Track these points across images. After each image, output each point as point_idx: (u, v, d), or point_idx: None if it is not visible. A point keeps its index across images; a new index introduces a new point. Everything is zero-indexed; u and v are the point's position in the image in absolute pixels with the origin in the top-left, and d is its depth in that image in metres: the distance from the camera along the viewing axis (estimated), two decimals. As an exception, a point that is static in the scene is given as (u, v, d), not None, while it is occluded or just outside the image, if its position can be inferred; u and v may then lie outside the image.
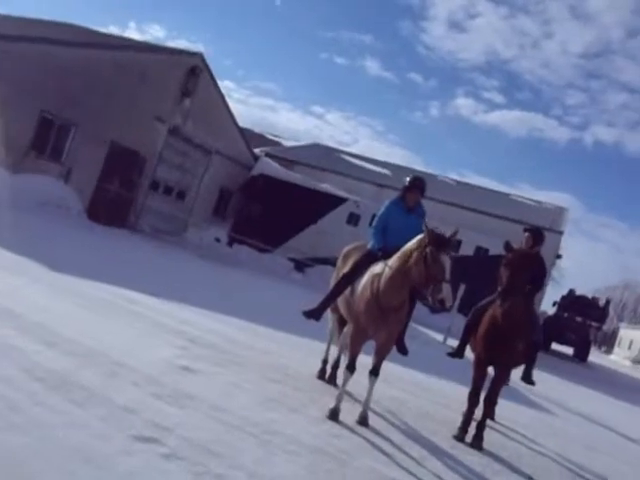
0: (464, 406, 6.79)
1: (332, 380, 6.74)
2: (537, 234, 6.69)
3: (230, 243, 24.70)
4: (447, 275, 4.98)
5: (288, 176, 25.40)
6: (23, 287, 6.98)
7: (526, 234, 6.69)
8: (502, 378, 6.30)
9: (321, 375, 6.85)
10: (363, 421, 5.61)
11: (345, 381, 5.59)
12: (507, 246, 6.04)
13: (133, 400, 4.44)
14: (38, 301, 6.52)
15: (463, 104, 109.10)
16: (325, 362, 6.89)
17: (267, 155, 27.12)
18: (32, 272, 7.89)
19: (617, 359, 45.54)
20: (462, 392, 7.62)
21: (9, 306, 5.92)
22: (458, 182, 33.28)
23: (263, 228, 23.95)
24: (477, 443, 6.06)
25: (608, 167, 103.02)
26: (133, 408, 4.29)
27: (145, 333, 6.62)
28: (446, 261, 5.01)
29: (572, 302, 27.00)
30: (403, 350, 6.04)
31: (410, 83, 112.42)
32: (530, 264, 5.94)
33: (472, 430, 6.19)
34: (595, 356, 33.67)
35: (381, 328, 5.42)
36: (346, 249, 6.74)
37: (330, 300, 6.04)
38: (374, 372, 5.64)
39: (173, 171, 21.66)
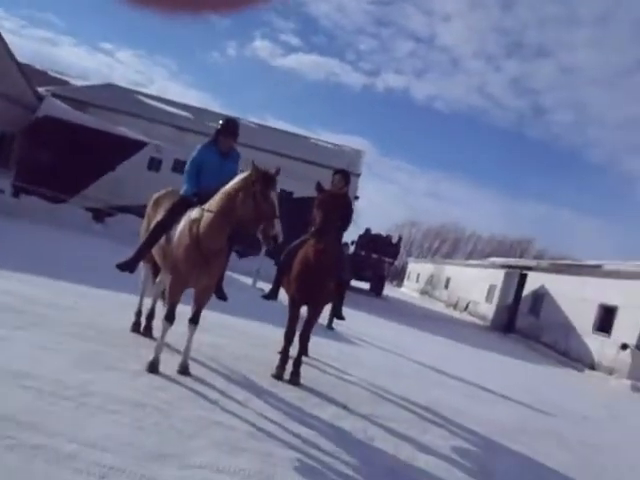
0: (280, 346, 7.05)
1: (148, 332, 6.53)
2: (347, 175, 6.97)
3: (16, 193, 22.27)
4: (277, 211, 4.98)
5: (79, 118, 23.32)
6: None
7: (337, 175, 6.91)
8: (315, 316, 6.59)
9: (135, 328, 6.58)
10: (184, 370, 5.54)
11: (164, 332, 5.44)
12: (318, 187, 6.23)
13: None
14: None
15: (260, 46, 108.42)
16: (139, 314, 6.62)
17: (53, 95, 24.60)
18: None
19: (407, 291, 50.36)
20: (277, 333, 7.89)
21: None
22: (259, 125, 33.45)
23: (55, 176, 21.91)
24: (295, 379, 6.33)
25: (398, 113, 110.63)
26: None
27: None
28: (275, 197, 5.01)
29: (368, 240, 28.94)
30: (222, 296, 6.01)
31: (205, 21, 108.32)
32: (341, 204, 6.20)
33: (289, 368, 6.44)
34: (388, 289, 36.82)
35: (202, 275, 5.31)
36: (156, 195, 6.44)
37: (144, 250, 5.76)
38: (194, 320, 5.56)
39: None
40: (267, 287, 7.38)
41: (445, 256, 73.61)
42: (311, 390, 6.28)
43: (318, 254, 6.16)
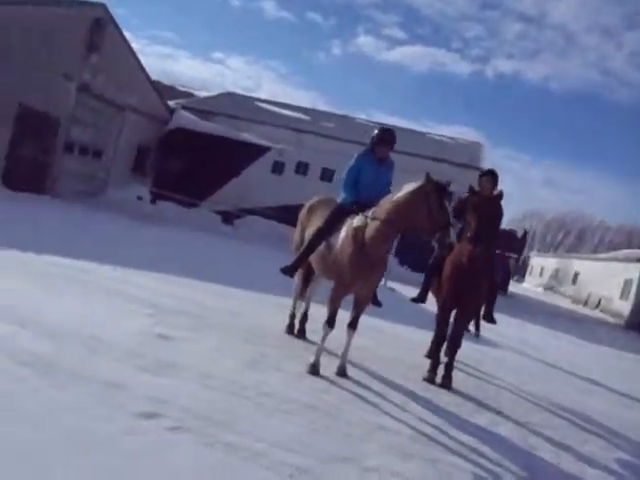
0: (426, 349, 7.09)
1: (301, 334, 6.80)
2: (495, 176, 6.72)
3: (153, 200, 23.90)
4: (451, 220, 5.17)
5: (206, 128, 24.66)
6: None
7: (485, 177, 6.70)
8: (467, 321, 6.54)
9: (290, 330, 6.88)
10: (342, 372, 5.72)
11: (325, 336, 5.65)
12: (471, 190, 6.19)
13: (120, 376, 4.29)
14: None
15: (364, 42, 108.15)
16: (293, 317, 6.92)
17: (182, 108, 26.16)
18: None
19: (529, 286, 48.39)
20: (423, 336, 7.92)
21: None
22: (374, 123, 33.51)
23: (186, 183, 23.28)
24: (447, 383, 6.33)
25: (509, 99, 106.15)
26: (123, 384, 4.16)
27: (109, 304, 6.33)
28: (448, 206, 5.19)
29: (494, 236, 27.96)
30: (377, 302, 6.14)
31: (309, 23, 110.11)
32: (496, 208, 6.12)
33: (440, 371, 6.44)
34: (510, 285, 35.62)
35: (366, 281, 5.48)
36: (310, 203, 6.68)
37: (305, 256, 6.01)
38: (353, 325, 5.74)
39: (87, 130, 20.47)
40: (397, 287, 7.40)
41: (569, 249, 70.00)
42: (463, 395, 6.25)
43: (473, 260, 6.10)
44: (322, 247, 5.82)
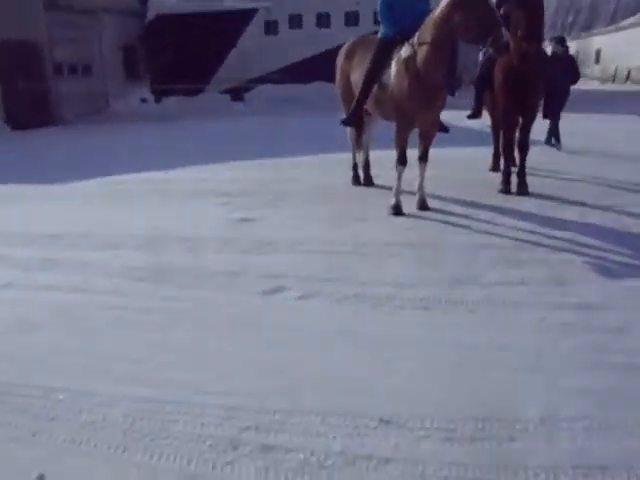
0: (489, 165, 7.06)
1: (368, 182, 6.78)
2: None
3: (157, 99, 23.32)
4: (500, 20, 4.82)
5: (186, 8, 23.25)
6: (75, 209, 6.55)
7: None
8: (531, 123, 6.34)
9: (356, 181, 6.87)
10: (423, 205, 5.74)
11: (400, 174, 5.60)
12: None
13: (229, 264, 4.40)
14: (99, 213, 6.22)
15: None
16: (356, 167, 6.87)
17: (154, -7, 24.54)
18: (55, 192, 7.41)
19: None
20: (486, 152, 7.77)
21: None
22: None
23: (184, 71, 22.47)
24: (523, 189, 6.31)
25: None
26: (235, 270, 4.27)
27: (182, 204, 6.42)
28: (492, 4, 4.84)
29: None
30: (444, 128, 5.99)
31: None
32: (542, 1, 5.70)
33: (513, 180, 6.41)
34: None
35: (427, 111, 5.31)
36: (347, 46, 6.35)
37: (361, 102, 5.80)
38: (424, 158, 5.67)
39: (69, 47, 19.58)
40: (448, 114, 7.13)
41: (584, 28, 66.36)
42: (543, 196, 6.24)
43: (526, 60, 5.80)
44: (375, 89, 5.59)
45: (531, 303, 3.66)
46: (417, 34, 5.14)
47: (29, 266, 4.50)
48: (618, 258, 4.41)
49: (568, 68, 8.51)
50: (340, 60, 6.38)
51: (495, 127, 7.42)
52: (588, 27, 62.67)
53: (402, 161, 5.58)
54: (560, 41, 8.95)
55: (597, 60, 37.69)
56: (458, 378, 2.82)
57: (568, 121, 9.50)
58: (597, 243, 4.75)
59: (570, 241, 4.81)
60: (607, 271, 4.15)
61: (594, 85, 33.30)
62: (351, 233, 5.08)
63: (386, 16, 5.57)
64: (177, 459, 2.32)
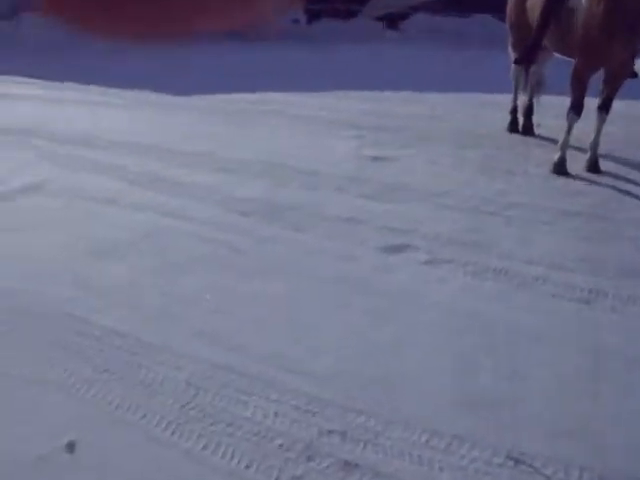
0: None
1: (528, 130, 5.73)
2: None
3: (309, 20, 22.57)
4: None
5: None
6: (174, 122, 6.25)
7: None
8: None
9: (513, 127, 5.82)
10: (594, 167, 4.71)
11: (570, 125, 4.57)
12: None
13: (352, 209, 3.79)
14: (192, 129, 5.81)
15: None
16: (514, 112, 5.81)
17: None
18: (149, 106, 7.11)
19: None
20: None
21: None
22: None
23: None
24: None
25: None
26: (357, 218, 3.66)
27: (310, 133, 5.67)
28: None
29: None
30: (634, 73, 4.84)
31: None
32: None
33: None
34: None
35: (623, 47, 4.20)
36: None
37: (542, 35, 4.74)
38: (605, 108, 4.56)
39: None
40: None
41: None
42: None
43: None
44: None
45: None
46: None
47: (135, 180, 4.17)
48: None
49: None
50: None
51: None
52: None
53: (577, 110, 4.52)
54: None
55: None
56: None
57: None
58: None
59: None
60: None
61: None
62: (498, 189, 4.23)
63: None
64: (234, 457, 1.83)
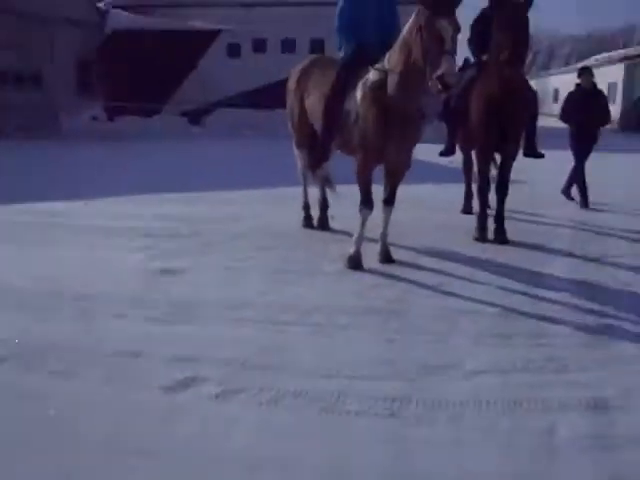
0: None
1: (323, 224, 5.75)
2: None
3: (110, 117, 21.99)
4: (448, 43, 3.78)
5: (147, 24, 22.15)
6: None
7: None
8: (512, 160, 5.47)
9: (307, 223, 5.82)
10: (387, 257, 4.77)
11: (364, 220, 4.61)
12: (495, 1, 4.92)
13: (133, 338, 3.31)
14: None
15: None
16: (307, 207, 5.84)
17: (114, 7, 23.40)
18: None
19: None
20: (450, 193, 6.92)
21: None
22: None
23: (141, 90, 21.22)
24: (501, 237, 5.44)
25: None
26: (139, 351, 3.18)
27: (92, 247, 5.16)
28: (445, 26, 3.79)
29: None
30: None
31: None
32: (527, 18, 4.86)
33: (490, 226, 5.54)
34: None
35: (397, 146, 4.36)
36: (299, 69, 5.41)
37: (329, 138, 4.75)
38: (389, 201, 4.69)
39: (14, 55, 18.24)
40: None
41: (542, 67, 67.88)
42: (525, 245, 5.39)
43: (511, 86, 4.97)
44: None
45: (533, 405, 2.71)
46: (387, 56, 4.22)
47: None
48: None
49: (598, 106, 7.15)
50: (291, 83, 5.43)
51: (467, 164, 6.61)
52: (546, 67, 64.14)
53: (367, 205, 4.58)
54: (590, 73, 7.29)
55: (555, 99, 38.00)
56: None
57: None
58: (596, 307, 3.91)
59: (563, 304, 3.95)
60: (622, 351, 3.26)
61: (552, 121, 33.43)
62: (296, 293, 4.05)
63: (343, 29, 4.69)
64: None
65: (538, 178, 8.94)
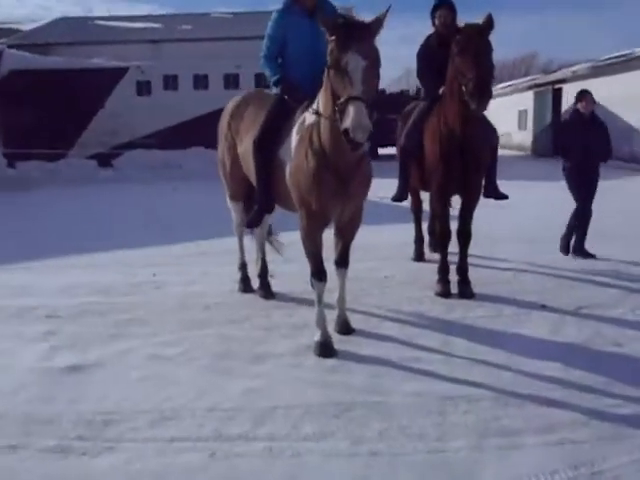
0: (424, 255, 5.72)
1: (265, 290, 4.86)
2: (452, 6, 4.95)
3: (10, 164, 20.27)
4: (356, 87, 2.97)
5: (46, 63, 20.77)
6: None
7: (442, 9, 4.93)
8: (475, 203, 4.88)
9: (245, 287, 4.95)
10: (345, 328, 4.03)
11: (320, 295, 3.78)
12: (454, 26, 4.37)
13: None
14: None
15: None
16: (244, 268, 4.97)
17: (9, 47, 21.83)
18: None
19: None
20: (408, 234, 6.23)
21: None
22: (232, 14, 29.94)
23: (44, 133, 19.76)
24: (466, 291, 4.83)
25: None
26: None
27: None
28: (351, 60, 3.01)
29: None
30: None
31: None
32: (489, 42, 4.32)
33: (452, 278, 4.93)
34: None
35: (344, 200, 3.58)
36: (232, 105, 4.60)
37: (266, 187, 3.93)
38: (342, 262, 3.93)
39: None
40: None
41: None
42: (493, 298, 4.78)
43: (470, 123, 4.42)
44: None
45: None
46: (319, 97, 3.47)
47: None
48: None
49: (599, 137, 6.03)
50: (223, 125, 4.63)
51: (417, 209, 6.04)
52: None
53: (319, 275, 3.75)
54: (592, 97, 6.05)
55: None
56: None
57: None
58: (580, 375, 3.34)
59: (558, 382, 3.31)
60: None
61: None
62: (244, 389, 3.21)
63: (270, 60, 4.04)
64: None
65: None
